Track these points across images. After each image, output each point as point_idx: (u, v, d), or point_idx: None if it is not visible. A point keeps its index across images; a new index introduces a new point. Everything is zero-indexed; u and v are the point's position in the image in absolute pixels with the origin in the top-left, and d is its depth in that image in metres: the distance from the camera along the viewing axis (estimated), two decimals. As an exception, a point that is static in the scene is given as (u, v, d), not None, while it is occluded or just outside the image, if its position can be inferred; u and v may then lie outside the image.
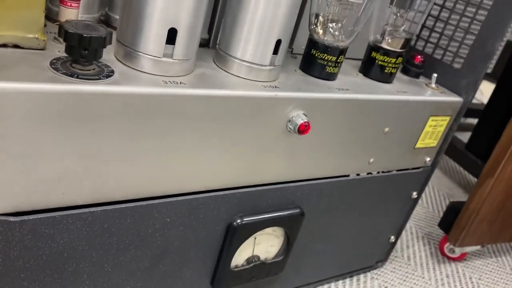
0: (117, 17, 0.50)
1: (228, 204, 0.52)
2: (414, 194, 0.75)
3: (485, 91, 1.93)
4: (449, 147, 1.28)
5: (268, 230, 0.58)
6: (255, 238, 0.58)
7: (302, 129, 0.49)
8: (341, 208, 0.65)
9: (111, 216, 0.44)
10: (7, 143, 0.36)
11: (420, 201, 1.11)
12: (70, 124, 0.37)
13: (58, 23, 0.44)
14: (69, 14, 0.42)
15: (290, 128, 0.50)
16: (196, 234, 0.51)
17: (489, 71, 2.11)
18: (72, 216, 0.42)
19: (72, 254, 0.43)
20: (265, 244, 0.60)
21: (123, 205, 0.44)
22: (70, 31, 0.36)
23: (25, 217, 0.39)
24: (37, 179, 0.38)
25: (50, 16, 0.46)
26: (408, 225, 0.99)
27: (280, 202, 0.57)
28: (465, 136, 1.30)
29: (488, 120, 1.18)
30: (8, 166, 0.37)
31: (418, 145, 0.68)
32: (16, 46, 0.39)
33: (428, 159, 0.72)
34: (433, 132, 0.68)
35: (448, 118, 0.68)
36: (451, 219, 0.85)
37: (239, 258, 0.58)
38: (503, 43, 1.83)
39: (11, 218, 0.39)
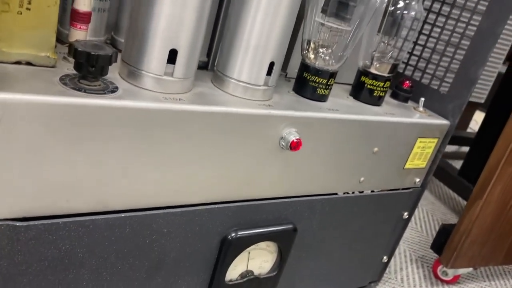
0: (122, 40, 0.53)
1: (223, 218, 0.54)
2: (405, 215, 0.77)
3: (479, 121, 1.97)
4: (443, 173, 1.31)
5: (262, 245, 0.60)
6: (249, 253, 0.60)
7: (294, 146, 0.52)
8: (333, 225, 0.67)
9: (111, 224, 0.46)
10: (18, 151, 0.38)
11: (414, 226, 1.13)
12: (76, 135, 0.40)
13: (67, 44, 0.47)
14: (78, 35, 0.46)
15: (282, 144, 0.53)
16: (192, 246, 0.53)
17: (482, 101, 2.15)
18: (75, 223, 0.44)
19: (73, 261, 0.46)
20: (259, 259, 0.62)
21: (123, 215, 0.46)
22: (79, 49, 0.39)
23: (31, 223, 0.42)
24: (44, 187, 0.41)
25: (60, 38, 0.50)
26: (402, 248, 1.00)
27: (274, 217, 0.59)
28: (459, 164, 1.32)
29: (479, 146, 1.21)
30: (18, 173, 0.39)
31: (408, 165, 0.71)
32: (29, 63, 0.43)
33: (417, 179, 0.74)
34: (421, 153, 0.71)
35: (436, 140, 0.71)
36: (442, 241, 0.87)
37: (234, 272, 0.60)
38: (494, 75, 1.88)
39: (18, 223, 0.41)
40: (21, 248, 0.42)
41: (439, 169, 1.31)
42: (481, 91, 1.91)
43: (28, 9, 0.41)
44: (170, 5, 0.43)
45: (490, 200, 0.80)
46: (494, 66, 1.85)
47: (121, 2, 0.55)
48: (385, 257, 0.80)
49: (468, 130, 1.95)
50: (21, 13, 0.40)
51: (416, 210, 1.20)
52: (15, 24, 0.41)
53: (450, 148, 1.83)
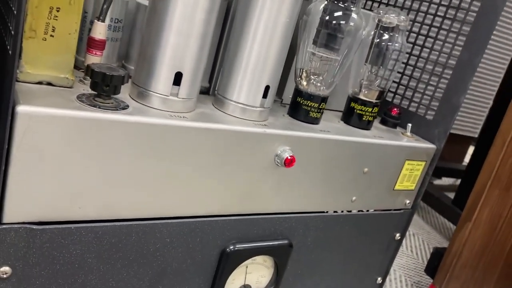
0: (132, 67, 0.59)
1: (222, 230, 0.58)
2: (397, 236, 0.80)
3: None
4: (438, 202, 1.34)
5: (259, 260, 0.64)
6: (246, 267, 0.63)
7: (288, 162, 0.57)
8: (327, 243, 0.70)
9: (118, 232, 0.50)
10: (37, 160, 0.43)
11: (410, 253, 1.15)
12: (90, 147, 0.45)
13: (82, 69, 0.53)
14: (93, 60, 0.51)
15: (277, 162, 0.58)
16: (193, 257, 0.57)
17: (475, 135, 2.21)
18: (85, 229, 0.48)
19: (83, 266, 0.49)
20: (256, 274, 0.65)
21: (129, 223, 0.50)
22: (96, 70, 0.45)
23: (46, 227, 0.45)
24: (59, 194, 0.45)
25: (76, 64, 0.55)
26: (397, 274, 1.02)
27: (270, 232, 0.63)
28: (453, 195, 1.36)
29: (470, 176, 1.25)
30: (37, 180, 0.43)
31: (397, 187, 0.75)
32: (49, 83, 0.48)
33: (408, 201, 0.78)
34: (410, 175, 0.75)
35: (423, 163, 0.76)
36: (435, 264, 0.89)
37: (232, 286, 0.63)
38: (486, 110, 1.94)
39: (34, 227, 0.45)
40: (36, 250, 0.46)
41: (434, 199, 1.34)
42: (474, 126, 1.97)
43: (52, 36, 0.46)
44: (176, 34, 0.49)
45: (479, 223, 0.84)
46: (486, 102, 1.92)
47: (131, 34, 0.61)
48: (379, 278, 0.83)
49: (464, 163, 2.00)
50: (45, 39, 0.46)
51: (412, 238, 1.23)
52: (39, 49, 0.46)
53: (447, 181, 1.87)
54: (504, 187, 0.82)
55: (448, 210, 1.26)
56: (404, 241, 1.21)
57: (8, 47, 0.44)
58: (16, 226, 0.44)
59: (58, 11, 0.45)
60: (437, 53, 0.78)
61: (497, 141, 0.80)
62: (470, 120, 1.98)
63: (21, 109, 0.41)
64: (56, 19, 0.46)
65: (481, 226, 0.84)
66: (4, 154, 0.41)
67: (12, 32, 0.42)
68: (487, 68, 1.87)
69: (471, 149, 2.02)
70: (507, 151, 0.79)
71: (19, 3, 0.39)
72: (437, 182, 1.86)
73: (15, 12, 0.41)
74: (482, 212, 0.83)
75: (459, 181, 1.87)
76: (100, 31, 0.51)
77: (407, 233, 1.26)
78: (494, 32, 1.80)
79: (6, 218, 0.43)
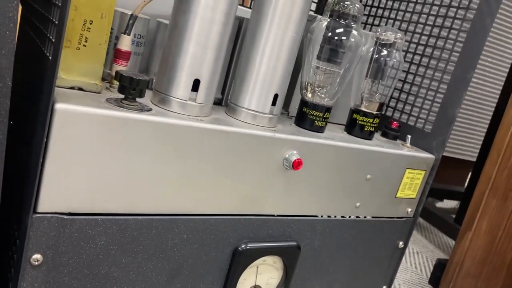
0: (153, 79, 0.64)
1: (235, 229, 0.61)
2: (400, 244, 0.83)
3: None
4: (441, 221, 1.37)
5: (269, 261, 0.67)
6: (257, 268, 0.66)
7: (296, 165, 0.61)
8: (334, 247, 0.73)
9: (140, 225, 0.54)
10: (71, 154, 0.47)
11: (414, 269, 1.17)
12: (117, 144, 0.49)
13: (107, 80, 0.58)
14: (119, 69, 0.57)
15: (286, 165, 0.62)
16: (207, 254, 0.60)
17: (474, 159, 2.22)
18: (110, 221, 0.52)
19: (106, 257, 0.53)
20: (266, 275, 0.68)
21: (150, 217, 0.54)
22: (124, 74, 0.50)
23: (75, 217, 0.50)
24: (88, 186, 0.49)
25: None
26: (402, 288, 1.04)
27: (279, 233, 0.66)
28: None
29: (470, 194, 1.28)
30: (69, 173, 0.48)
31: (399, 195, 0.79)
32: (80, 89, 0.53)
33: (409, 209, 0.82)
34: (411, 184, 0.79)
35: (423, 172, 0.80)
36: (439, 275, 0.92)
37: (243, 286, 0.66)
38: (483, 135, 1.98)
39: (65, 216, 0.49)
40: (65, 240, 0.50)
41: (437, 218, 1.37)
42: (474, 150, 2.02)
43: (84, 45, 0.52)
44: (195, 45, 0.55)
45: (479, 232, 0.87)
46: (484, 127, 1.97)
47: (151, 49, 0.67)
48: (384, 287, 0.85)
49: (465, 187, 2.03)
50: (79, 49, 0.52)
51: (416, 256, 1.25)
52: (73, 57, 0.51)
53: (449, 204, 1.90)
54: (501, 197, 0.85)
55: (450, 228, 1.29)
56: (408, 259, 1.23)
57: (48, 54, 0.49)
58: (49, 215, 0.48)
59: (91, 23, 0.51)
60: (433, 69, 0.84)
61: (492, 153, 0.84)
62: (470, 144, 2.03)
63: (59, 106, 0.45)
64: (89, 31, 0.51)
65: (481, 235, 0.87)
66: (43, 148, 0.46)
67: (53, 40, 0.47)
68: (485, 94, 1.94)
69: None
70: (502, 162, 0.83)
71: (62, 16, 0.45)
72: (439, 204, 1.88)
73: (56, 22, 0.47)
74: (481, 222, 0.86)
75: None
76: (126, 43, 0.57)
77: (412, 251, 1.29)
78: (489, 58, 1.88)
79: (41, 208, 0.48)
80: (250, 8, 0.97)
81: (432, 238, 1.42)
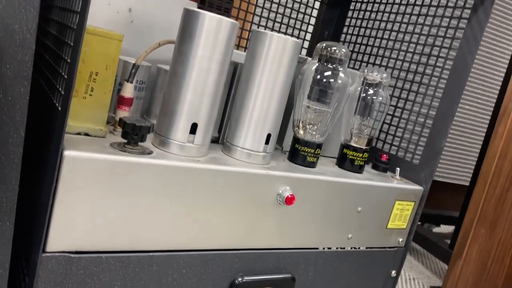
0: (153, 121, 0.68)
1: (231, 263, 0.65)
2: (393, 273, 0.86)
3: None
4: (436, 248, 1.39)
5: (265, 292, 0.70)
6: (254, 299, 0.69)
7: (288, 200, 0.65)
8: (328, 278, 0.76)
9: (141, 262, 0.57)
10: (76, 197, 0.51)
11: (410, 296, 1.19)
12: (120, 186, 0.53)
13: (111, 123, 0.62)
14: (123, 115, 0.61)
15: (279, 200, 0.66)
16: None
17: (467, 184, 2.23)
18: (114, 258, 0.55)
19: (110, 292, 0.56)
20: (262, 307, 0.70)
21: (151, 254, 0.58)
22: (127, 122, 0.54)
23: (81, 255, 0.53)
24: (92, 227, 0.53)
25: (106, 119, 0.65)
26: (398, 315, 1.06)
27: (274, 266, 0.69)
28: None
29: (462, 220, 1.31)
30: (75, 215, 0.52)
31: (390, 225, 0.82)
32: (86, 134, 0.57)
33: (401, 239, 0.85)
34: (401, 215, 0.82)
35: (412, 204, 0.83)
36: (432, 302, 0.94)
37: (241, 317, 0.68)
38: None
39: (72, 255, 0.52)
40: (72, 277, 0.53)
41: (432, 244, 1.40)
42: (469, 175, 2.05)
43: (90, 95, 0.56)
44: (192, 93, 0.59)
45: (469, 260, 0.90)
46: (475, 152, 2.01)
47: (152, 93, 0.71)
48: (379, 315, 0.88)
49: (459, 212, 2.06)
50: (85, 98, 0.56)
51: (413, 283, 1.27)
52: (80, 106, 0.56)
53: (446, 229, 1.92)
54: (489, 226, 0.88)
55: (445, 254, 1.31)
56: (405, 285, 1.25)
57: (57, 104, 0.53)
58: (57, 254, 0.52)
59: (96, 75, 0.56)
60: (419, 105, 0.88)
61: (479, 182, 0.88)
62: (465, 170, 2.07)
63: (67, 153, 0.49)
64: (95, 82, 0.56)
65: (472, 263, 0.90)
66: (52, 191, 0.50)
67: (63, 93, 0.52)
68: (479, 119, 1.98)
69: (468, 198, 2.08)
70: (489, 190, 0.87)
71: (71, 72, 0.49)
72: (436, 229, 1.90)
73: (65, 77, 0.51)
74: (471, 250, 0.89)
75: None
76: (128, 90, 0.61)
77: (408, 277, 1.31)
78: (477, 86, 1.93)
79: (49, 247, 0.51)
80: (244, 47, 1.02)
81: (429, 264, 1.44)
